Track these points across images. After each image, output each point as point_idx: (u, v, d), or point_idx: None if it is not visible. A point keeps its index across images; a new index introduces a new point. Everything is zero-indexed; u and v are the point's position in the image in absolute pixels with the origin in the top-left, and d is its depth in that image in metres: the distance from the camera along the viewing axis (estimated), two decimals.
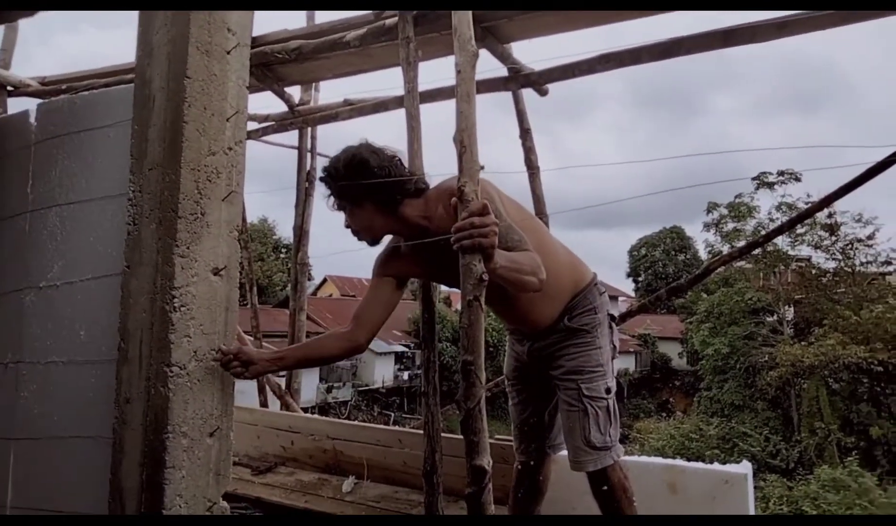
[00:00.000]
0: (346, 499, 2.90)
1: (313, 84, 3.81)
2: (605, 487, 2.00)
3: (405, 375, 33.56)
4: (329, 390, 28.06)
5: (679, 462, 2.54)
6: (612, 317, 2.16)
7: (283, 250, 38.21)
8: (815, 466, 16.35)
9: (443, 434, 2.24)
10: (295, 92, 3.77)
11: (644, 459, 2.67)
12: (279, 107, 3.81)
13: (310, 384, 25.85)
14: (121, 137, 1.99)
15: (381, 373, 32.57)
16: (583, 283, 2.12)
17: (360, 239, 2.05)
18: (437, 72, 2.54)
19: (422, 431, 2.28)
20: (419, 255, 2.01)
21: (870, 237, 22.51)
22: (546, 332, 2.11)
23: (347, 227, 2.03)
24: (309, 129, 4.13)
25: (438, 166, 2.08)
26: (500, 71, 3.05)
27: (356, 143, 2.01)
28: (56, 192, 2.16)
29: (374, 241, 2.06)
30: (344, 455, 3.14)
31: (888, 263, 22.71)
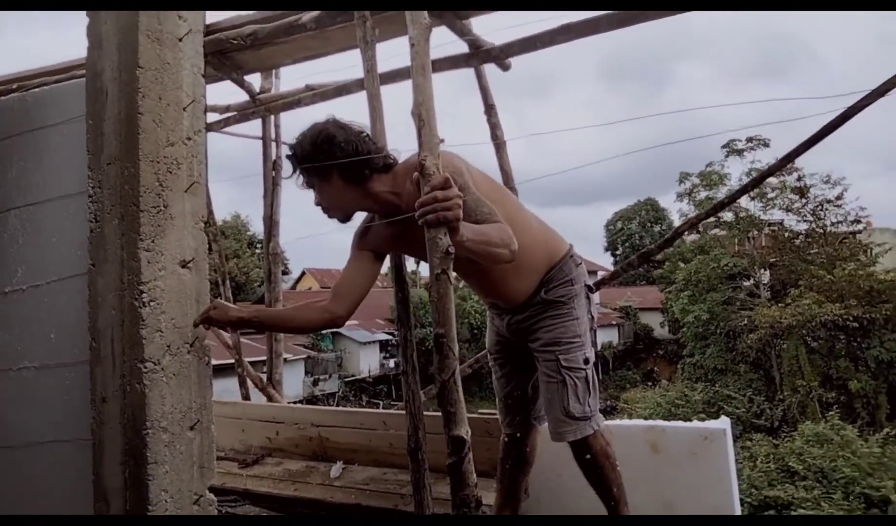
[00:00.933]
0: (335, 484, 2.91)
1: (273, 71, 3.76)
2: (588, 456, 2.02)
3: (391, 363, 33.56)
4: (315, 383, 27.99)
5: (659, 423, 2.58)
6: (588, 287, 2.17)
7: (258, 246, 37.87)
8: (799, 422, 16.69)
9: (425, 413, 2.24)
10: (255, 80, 3.72)
11: (626, 422, 2.72)
12: (240, 96, 3.75)
13: (295, 378, 25.77)
14: (76, 133, 1.95)
15: (367, 362, 32.55)
16: (558, 255, 2.12)
17: (330, 216, 2.03)
18: (397, 51, 2.52)
19: (405, 412, 2.29)
20: (391, 230, 2.00)
21: (838, 198, 22.96)
22: (523, 306, 2.11)
23: (317, 205, 2.01)
24: (272, 117, 4.08)
25: (403, 148, 2.06)
26: (461, 48, 3.03)
27: (322, 120, 1.98)
28: (14, 195, 2.10)
29: (344, 219, 2.05)
30: (330, 442, 3.14)
31: (857, 221, 23.23)
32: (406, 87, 2.92)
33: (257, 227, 38.36)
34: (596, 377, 2.09)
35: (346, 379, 30.78)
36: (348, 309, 2.00)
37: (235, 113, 3.82)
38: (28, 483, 2.02)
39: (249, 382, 4.19)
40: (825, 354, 20.48)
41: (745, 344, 21.36)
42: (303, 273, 44.87)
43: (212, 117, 3.90)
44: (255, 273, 34.74)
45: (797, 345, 20.04)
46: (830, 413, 16.03)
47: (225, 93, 3.92)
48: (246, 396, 4.03)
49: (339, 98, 3.36)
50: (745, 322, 21.46)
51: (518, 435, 2.29)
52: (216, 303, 1.92)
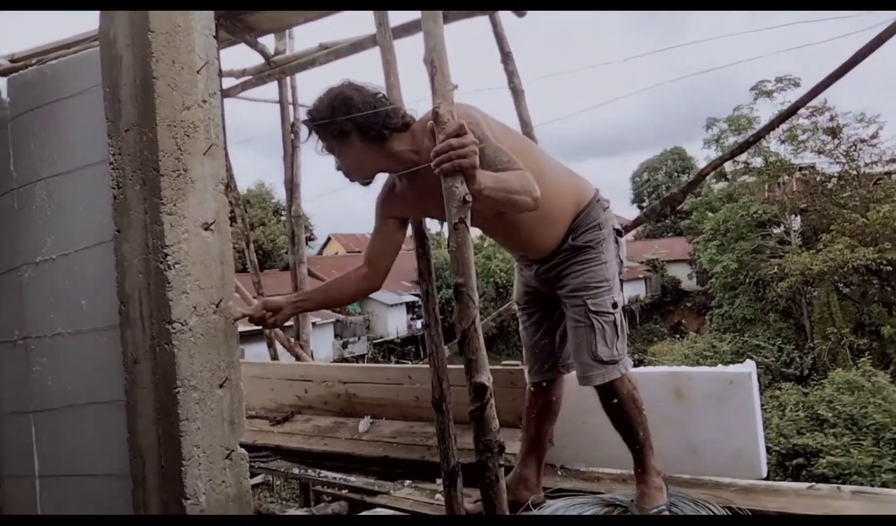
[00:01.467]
0: (363, 438, 2.98)
1: (287, 32, 3.73)
2: (616, 400, 2.04)
3: (418, 324, 33.90)
4: (344, 346, 28.45)
5: (684, 368, 2.58)
6: (617, 231, 2.16)
7: (283, 213, 38.15)
8: (829, 370, 16.56)
9: (448, 366, 2.27)
10: (269, 42, 3.70)
11: (650, 369, 2.72)
12: (255, 60, 3.74)
13: (325, 341, 26.21)
14: (95, 102, 1.97)
15: (395, 324, 32.93)
16: (584, 200, 2.11)
17: (351, 180, 2.04)
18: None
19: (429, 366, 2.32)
20: (413, 190, 2.01)
21: (873, 137, 22.17)
22: (552, 254, 2.11)
23: (338, 169, 2.02)
24: (288, 79, 4.07)
25: (419, 104, 2.05)
26: None
27: (337, 83, 1.98)
28: (38, 166, 2.14)
29: (366, 181, 2.06)
30: (357, 398, 3.21)
31: (893, 160, 22.43)
32: (418, 40, 2.89)
33: (281, 195, 38.60)
34: (624, 321, 2.10)
35: (375, 341, 31.21)
36: (382, 276, 2.13)
37: (251, 77, 3.82)
38: (69, 443, 2.11)
39: (278, 345, 4.27)
40: (857, 299, 20.16)
41: (774, 293, 21.11)
42: (329, 239, 45.19)
43: (228, 83, 3.90)
44: (281, 240, 35.11)
45: (829, 291, 19.73)
46: (862, 360, 15.86)
47: (240, 57, 3.92)
48: (274, 357, 4.12)
49: (354, 55, 3.33)
50: (775, 270, 21.15)
51: (544, 384, 2.32)
52: (267, 303, 2.07)
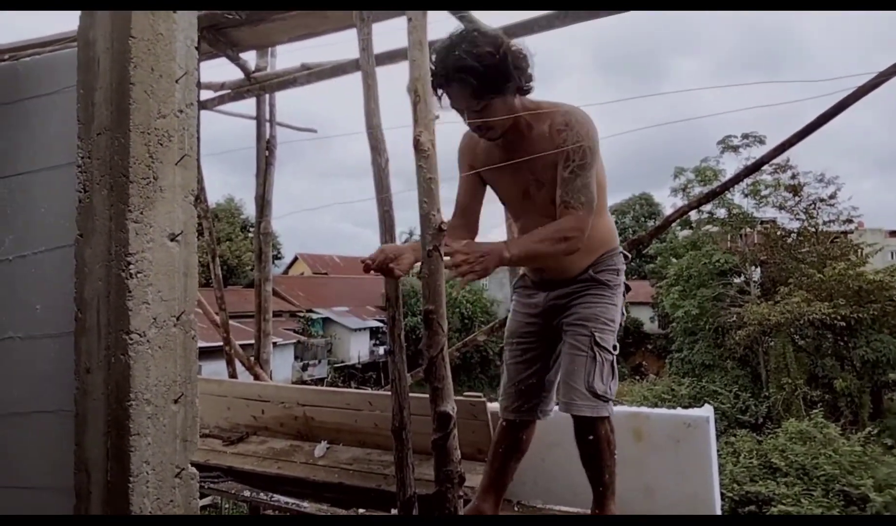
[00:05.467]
0: (318, 463, 2.92)
1: (269, 49, 3.74)
2: (592, 437, 2.02)
3: (381, 350, 33.64)
4: (304, 368, 28.05)
5: (643, 409, 2.61)
6: (627, 286, 2.22)
7: (251, 230, 37.76)
8: (783, 419, 16.90)
9: (410, 394, 2.25)
10: (251, 58, 3.69)
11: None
12: (235, 74, 3.72)
13: (285, 363, 25.78)
14: (67, 103, 1.93)
15: (357, 349, 32.63)
16: (614, 243, 2.19)
17: (482, 135, 1.98)
18: (394, 28, 2.50)
19: (390, 392, 2.29)
20: (494, 153, 2.02)
21: (831, 197, 23.19)
22: (569, 281, 2.13)
23: (471, 121, 1.92)
24: (267, 96, 4.05)
25: (400, 131, 2.06)
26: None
27: (463, 29, 1.87)
28: (2, 163, 2.09)
29: (496, 137, 1.99)
30: (315, 421, 3.15)
31: (849, 221, 23.48)
32: (401, 70, 2.92)
33: (250, 211, 38.34)
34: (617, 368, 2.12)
35: (336, 365, 30.84)
36: (476, 226, 2.14)
37: (230, 91, 3.79)
38: (9, 453, 2.02)
39: (237, 363, 4.18)
40: (812, 352, 20.69)
41: (733, 340, 21.52)
42: (295, 258, 44.79)
43: (206, 95, 3.87)
44: (246, 256, 34.71)
45: (785, 342, 20.22)
46: (815, 411, 16.23)
47: (220, 71, 3.90)
48: (233, 375, 4.03)
49: (335, 78, 3.34)
50: (734, 319, 21.61)
51: (518, 422, 2.26)
52: (385, 250, 1.89)
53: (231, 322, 4.32)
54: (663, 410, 2.58)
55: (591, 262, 2.11)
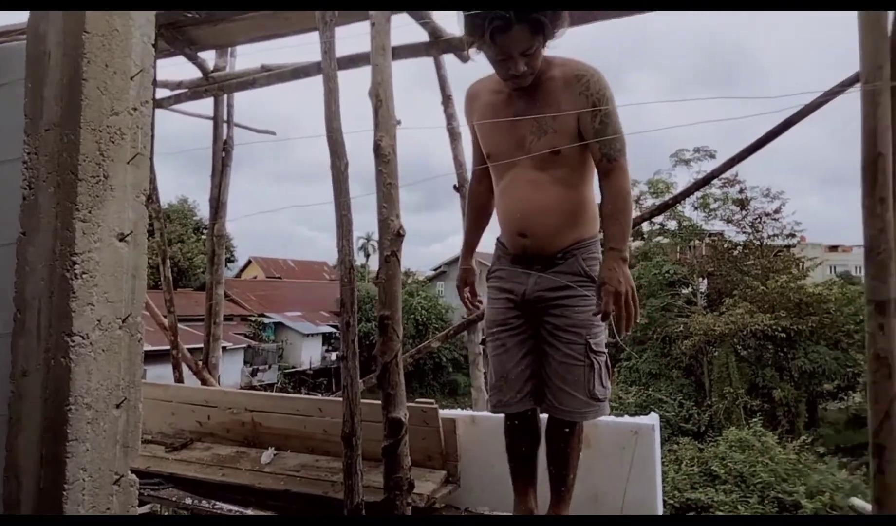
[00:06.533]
0: (265, 470, 2.88)
1: (228, 49, 3.68)
2: (567, 430, 2.04)
3: (333, 356, 33.30)
4: (254, 373, 27.53)
5: None
6: None
7: (204, 232, 36.93)
8: (724, 427, 17.37)
9: (362, 400, 2.25)
10: (209, 58, 3.63)
11: None
12: (193, 73, 3.65)
13: (234, 367, 25.24)
14: (14, 97, 1.87)
15: (309, 355, 32.23)
16: (597, 226, 2.12)
17: (523, 84, 1.96)
18: (355, 32, 2.50)
19: (341, 398, 2.28)
20: (501, 107, 2.03)
21: (776, 211, 24.17)
22: (555, 257, 2.04)
23: (520, 70, 1.90)
24: (225, 96, 3.99)
25: (360, 135, 2.06)
26: (421, 37, 3.04)
27: None
28: None
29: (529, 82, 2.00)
30: (263, 427, 3.11)
31: (792, 235, 24.49)
32: (362, 74, 2.92)
33: (204, 213, 37.55)
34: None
35: (287, 371, 30.37)
36: None
37: (187, 90, 3.71)
38: None
39: (185, 367, 4.09)
40: (753, 362, 21.38)
41: (679, 350, 22.07)
42: (249, 261, 43.98)
43: (162, 93, 3.78)
44: (198, 259, 33.92)
45: (728, 353, 20.85)
46: (754, 420, 16.78)
47: (178, 70, 3.81)
48: (179, 380, 3.93)
49: (295, 80, 3.31)
50: (681, 329, 22.17)
51: (529, 413, 2.14)
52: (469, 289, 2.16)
53: (179, 325, 4.21)
54: (611, 418, 2.63)
55: (579, 236, 2.05)
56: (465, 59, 3.20)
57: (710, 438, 17.71)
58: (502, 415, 2.16)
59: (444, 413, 2.78)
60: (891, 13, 1.55)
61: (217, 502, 2.73)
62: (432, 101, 3.64)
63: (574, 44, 2.04)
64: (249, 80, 3.51)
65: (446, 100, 3.56)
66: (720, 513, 12.39)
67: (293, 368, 31.11)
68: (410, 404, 2.28)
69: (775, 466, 13.38)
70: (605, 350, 2.06)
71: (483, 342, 2.26)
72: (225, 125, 4.13)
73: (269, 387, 26.96)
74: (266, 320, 32.02)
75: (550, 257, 2.04)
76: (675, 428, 19.23)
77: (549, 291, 2.04)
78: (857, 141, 1.63)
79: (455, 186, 3.72)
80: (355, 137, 2.07)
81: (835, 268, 33.97)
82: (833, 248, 38.38)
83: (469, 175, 3.54)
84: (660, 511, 2.50)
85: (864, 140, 1.56)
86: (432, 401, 2.75)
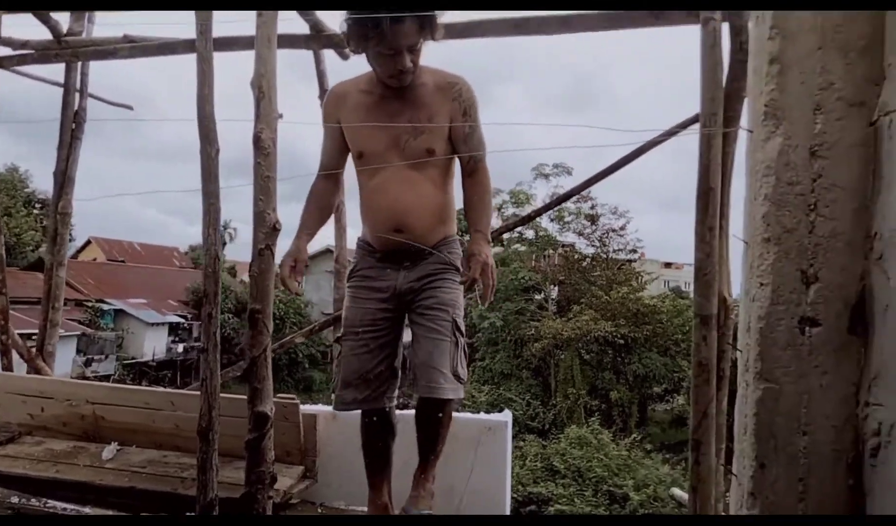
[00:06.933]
0: (106, 466, 2.69)
1: (87, 13, 3.38)
2: (441, 415, 2.08)
3: (180, 348, 31.43)
4: (88, 364, 25.29)
5: None
6: None
7: (36, 205, 33.34)
8: (566, 426, 18.59)
9: (221, 394, 2.18)
10: (64, 19, 3.31)
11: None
12: (44, 35, 3.31)
13: (65, 357, 23.03)
14: None
15: (153, 345, 30.17)
16: (455, 229, 2.25)
17: (403, 82, 2.02)
18: (229, 17, 2.41)
19: (197, 393, 2.19)
20: (365, 104, 2.06)
21: (622, 228, 26.36)
22: (422, 254, 2.11)
23: (406, 66, 1.97)
24: (79, 64, 3.66)
25: (239, 124, 2.00)
26: (301, 30, 2.99)
27: None
28: None
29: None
30: (106, 421, 2.90)
31: (634, 251, 26.92)
32: (236, 58, 2.82)
33: (38, 185, 33.88)
34: None
35: (126, 361, 28.22)
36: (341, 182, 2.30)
37: (34, 51, 3.35)
38: None
39: (15, 354, 3.69)
40: (595, 365, 23.06)
41: (529, 352, 23.25)
42: (88, 241, 40.32)
43: (4, 51, 3.39)
44: (28, 236, 30.55)
45: (573, 356, 22.35)
46: (592, 419, 18.13)
47: (26, 31, 3.41)
48: (8, 368, 3.55)
49: (161, 56, 3.11)
50: (533, 332, 23.39)
51: (386, 409, 2.18)
52: (289, 262, 1.94)
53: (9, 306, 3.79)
54: (468, 414, 2.76)
55: (446, 233, 2.17)
56: (345, 57, 3.19)
57: (553, 435, 18.84)
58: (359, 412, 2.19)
59: (306, 409, 2.76)
60: (726, 67, 1.79)
61: (49, 500, 2.51)
62: (304, 93, 3.58)
63: (444, 51, 2.16)
64: (109, 50, 3.25)
65: (324, 94, 3.53)
66: (559, 505, 13.19)
67: (134, 358, 28.97)
68: (272, 399, 2.25)
69: (609, 462, 14.50)
70: (464, 337, 2.15)
71: (338, 340, 2.25)
72: (77, 94, 3.79)
73: (106, 378, 24.88)
74: (105, 306, 29.55)
75: (420, 252, 2.12)
76: (522, 426, 20.23)
77: (417, 280, 2.12)
78: (691, 172, 1.86)
79: None
80: (233, 127, 2.01)
81: (668, 283, 37.46)
82: (668, 265, 42.30)
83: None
84: (507, 504, 2.65)
85: (699, 175, 1.79)
86: (294, 396, 2.73)
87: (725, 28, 1.87)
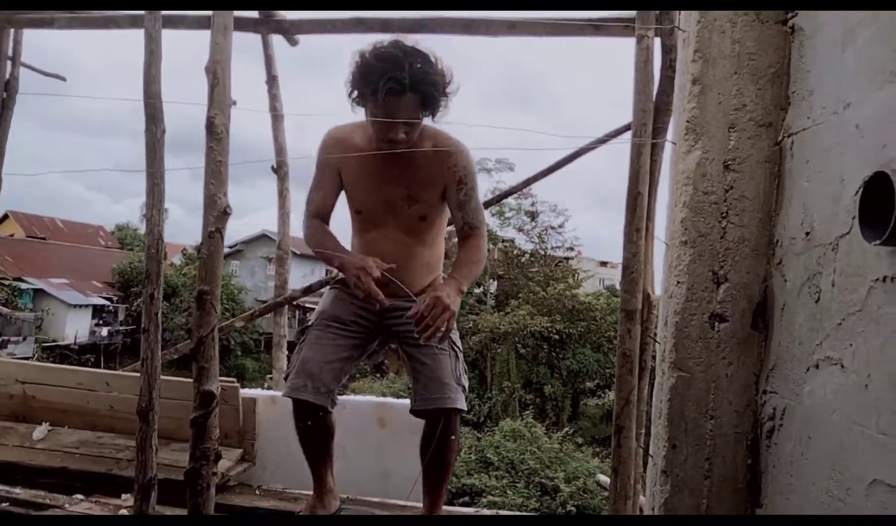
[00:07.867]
0: (37, 446, 2.65)
1: None
2: (452, 434, 2.09)
3: (104, 332, 30.28)
4: (3, 345, 24.06)
5: (389, 399, 2.85)
6: None
7: None
8: (501, 419, 18.94)
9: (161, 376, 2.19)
10: None
11: (359, 397, 2.94)
12: None
13: None
14: None
15: (75, 328, 28.96)
16: (441, 274, 2.29)
17: (403, 148, 1.98)
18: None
19: (133, 375, 2.20)
20: (368, 158, 2.04)
21: (560, 226, 26.98)
22: (408, 298, 2.06)
23: (403, 136, 1.94)
24: (12, 31, 3.52)
25: (192, 108, 2.00)
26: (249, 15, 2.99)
27: (406, 43, 1.93)
28: None
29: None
30: (37, 400, 2.84)
31: (571, 248, 27.61)
32: (185, 37, 2.79)
33: None
34: None
35: (45, 344, 26.98)
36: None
37: None
38: None
39: None
40: (530, 360, 23.56)
41: (467, 345, 23.57)
42: (5, 215, 38.19)
43: None
44: None
45: (509, 350, 22.77)
46: (527, 412, 18.55)
47: None
48: None
49: (104, 29, 3.05)
50: (471, 325, 23.70)
51: (323, 410, 2.10)
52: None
53: None
54: (406, 401, 2.83)
55: (432, 279, 2.22)
56: (293, 43, 3.20)
57: (487, 428, 19.16)
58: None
59: (245, 392, 2.79)
60: (656, 82, 1.93)
61: None
62: (250, 76, 3.57)
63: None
64: (47, 19, 3.15)
65: (271, 80, 3.52)
66: (491, 497, 13.44)
67: (55, 341, 27.74)
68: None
69: (541, 455, 14.88)
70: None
71: (302, 330, 2.20)
72: (9, 63, 3.64)
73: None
74: (24, 285, 28.16)
75: (406, 298, 2.09)
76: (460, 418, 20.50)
77: (405, 299, 2.07)
78: (627, 173, 2.00)
79: (273, 168, 3.70)
80: (183, 109, 2.01)
81: (603, 281, 38.52)
82: (603, 264, 43.46)
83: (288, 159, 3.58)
84: None
85: (629, 181, 1.92)
86: (234, 379, 2.75)
87: (658, 44, 2.01)
